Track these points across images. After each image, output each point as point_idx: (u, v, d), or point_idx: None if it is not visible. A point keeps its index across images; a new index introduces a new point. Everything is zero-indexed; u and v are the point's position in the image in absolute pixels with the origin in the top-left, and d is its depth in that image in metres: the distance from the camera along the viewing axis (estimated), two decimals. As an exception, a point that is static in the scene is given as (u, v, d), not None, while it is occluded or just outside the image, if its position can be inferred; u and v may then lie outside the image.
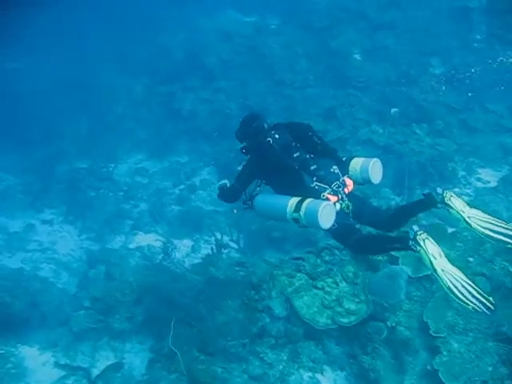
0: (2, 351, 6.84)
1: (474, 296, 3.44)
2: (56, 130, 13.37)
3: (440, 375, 4.85)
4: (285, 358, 5.73)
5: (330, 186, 4.03)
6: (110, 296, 6.97)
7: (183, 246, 9.52)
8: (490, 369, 4.77)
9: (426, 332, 5.25)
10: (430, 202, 3.88)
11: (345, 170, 4.20)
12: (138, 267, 8.63)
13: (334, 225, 3.86)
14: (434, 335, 5.15)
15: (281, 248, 8.81)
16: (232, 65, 14.05)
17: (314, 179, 4.08)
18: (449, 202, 3.76)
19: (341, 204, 4.03)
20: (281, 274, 6.19)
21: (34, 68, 15.18)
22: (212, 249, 8.49)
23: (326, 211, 3.77)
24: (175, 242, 9.52)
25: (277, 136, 4.22)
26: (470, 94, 10.74)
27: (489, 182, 9.19)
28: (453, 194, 3.81)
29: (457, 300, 3.46)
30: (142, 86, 14.64)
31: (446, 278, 3.49)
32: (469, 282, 3.50)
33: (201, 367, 5.48)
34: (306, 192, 3.99)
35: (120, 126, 13.66)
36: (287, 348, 5.80)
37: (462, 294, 3.45)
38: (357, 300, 5.76)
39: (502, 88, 10.52)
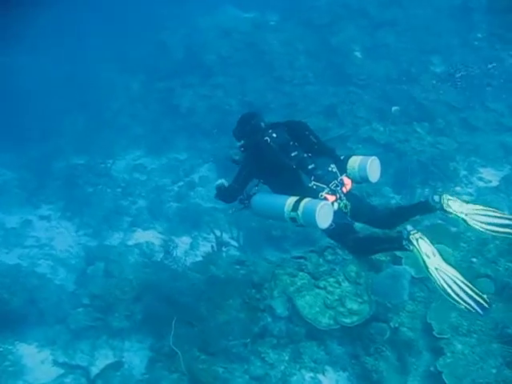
0: (0, 349, 6.77)
1: (468, 295, 3.42)
2: (53, 127, 13.28)
3: (444, 377, 4.82)
4: (286, 358, 5.68)
5: (327, 186, 4.02)
6: (110, 294, 6.90)
7: (182, 243, 9.46)
8: (494, 371, 4.74)
9: (430, 333, 5.22)
10: (427, 209, 3.86)
11: (343, 168, 4.19)
12: (137, 264, 8.56)
13: (331, 224, 3.85)
14: (438, 336, 5.11)
15: (280, 246, 8.77)
16: (231, 61, 13.97)
17: (312, 178, 4.06)
18: (447, 209, 3.73)
19: (339, 203, 4.02)
20: (282, 273, 6.14)
21: (31, 65, 15.11)
22: (212, 247, 8.43)
23: (324, 211, 3.76)
24: (174, 239, 9.46)
25: (274, 135, 4.20)
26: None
27: (490, 182, 9.16)
28: (450, 197, 3.77)
29: (449, 299, 3.44)
30: (140, 82, 14.57)
31: (439, 277, 3.48)
32: (464, 280, 3.48)
33: (202, 367, 5.43)
34: (303, 191, 3.97)
35: (117, 122, 13.60)
36: (289, 348, 5.75)
37: (456, 292, 3.43)
38: (359, 300, 5.72)
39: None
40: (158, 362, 5.84)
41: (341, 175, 4.13)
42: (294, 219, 3.87)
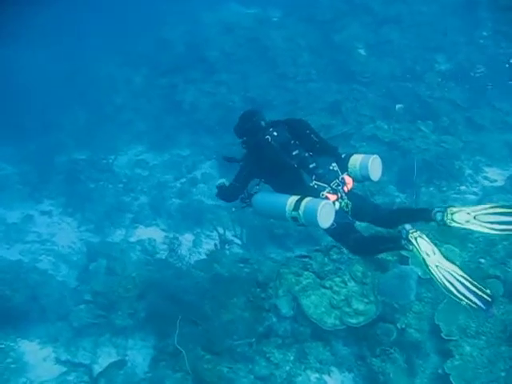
0: (2, 346, 6.72)
1: (471, 291, 3.40)
2: (55, 121, 13.24)
3: (452, 379, 4.77)
4: (291, 358, 5.63)
5: (329, 185, 4.00)
6: (113, 291, 6.84)
7: (185, 240, 9.40)
8: (503, 374, 4.69)
9: (437, 335, 5.16)
10: (430, 219, 3.80)
11: (344, 167, 4.16)
12: (139, 262, 8.53)
13: (333, 224, 3.83)
14: (446, 338, 5.06)
15: (283, 244, 8.73)
16: (234, 57, 13.92)
17: (313, 178, 4.03)
18: (451, 224, 3.65)
19: (340, 203, 4.00)
20: (288, 272, 6.07)
21: (33, 60, 15.05)
22: (215, 244, 8.38)
23: (325, 210, 3.74)
24: (177, 236, 9.40)
25: (275, 133, 4.17)
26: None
27: (496, 181, 9.11)
28: (454, 209, 3.68)
29: (451, 296, 3.43)
30: (142, 77, 14.50)
31: (439, 275, 3.47)
32: (466, 276, 3.46)
33: (206, 366, 5.38)
34: (305, 191, 3.94)
35: (119, 117, 13.57)
36: (294, 348, 5.70)
37: (458, 289, 3.41)
38: (366, 300, 5.66)
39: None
40: (162, 361, 5.79)
41: (342, 174, 4.10)
42: (295, 218, 3.84)
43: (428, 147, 9.62)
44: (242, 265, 7.04)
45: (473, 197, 8.83)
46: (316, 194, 3.92)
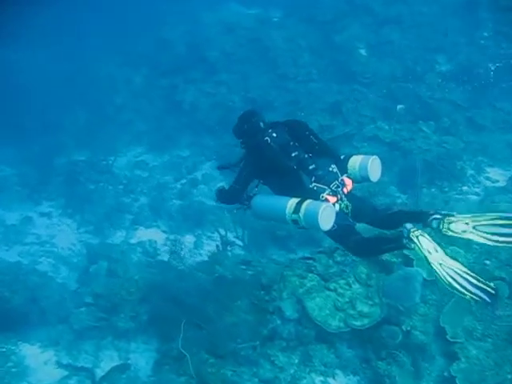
0: (3, 349, 6.65)
1: (475, 285, 3.43)
2: (54, 122, 13.15)
3: (458, 382, 4.74)
4: (296, 361, 5.58)
5: (328, 187, 4.00)
6: (115, 294, 6.78)
7: (186, 242, 9.34)
8: (509, 376, 4.66)
9: (443, 337, 5.13)
10: (428, 225, 3.80)
11: (343, 168, 4.16)
12: (140, 264, 8.47)
13: (333, 226, 3.82)
14: (451, 340, 5.03)
15: (285, 246, 8.70)
16: (234, 58, 13.88)
17: (313, 179, 4.03)
18: (447, 233, 3.67)
19: (340, 204, 4.00)
20: (291, 274, 6.03)
21: (34, 60, 14.97)
22: (217, 246, 8.32)
23: (326, 213, 3.74)
24: (178, 238, 9.35)
25: (274, 135, 4.16)
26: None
27: (498, 181, 9.07)
28: (451, 218, 3.69)
29: (456, 292, 3.45)
30: (142, 77, 14.44)
31: (443, 272, 3.49)
32: (468, 272, 3.49)
33: (210, 370, 5.33)
34: (304, 193, 3.94)
35: (119, 118, 13.53)
36: (298, 351, 5.65)
37: (461, 285, 3.44)
38: (370, 302, 5.62)
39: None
40: (166, 365, 5.73)
41: (341, 175, 4.11)
42: (295, 221, 3.84)
43: (429, 148, 9.59)
44: (244, 267, 6.99)
45: (475, 197, 8.80)
46: (316, 195, 3.91)
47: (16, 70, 14.65)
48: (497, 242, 3.54)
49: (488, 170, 9.40)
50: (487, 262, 5.53)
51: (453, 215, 3.69)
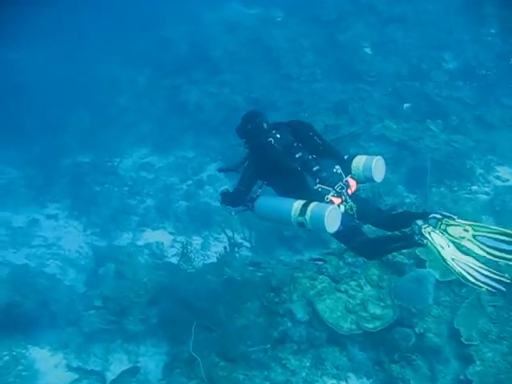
0: (14, 353, 6.64)
1: (489, 277, 3.42)
2: (58, 124, 13.12)
3: (474, 385, 4.69)
4: (308, 364, 5.54)
5: (333, 188, 3.99)
6: (124, 297, 6.75)
7: (193, 243, 9.28)
8: (526, 379, 4.61)
9: (457, 339, 5.08)
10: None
11: (347, 169, 4.16)
12: (148, 266, 8.43)
13: (339, 227, 3.80)
14: (466, 343, 4.97)
15: (292, 247, 8.66)
16: (237, 57, 13.83)
17: (317, 181, 4.01)
18: (443, 234, 3.65)
19: (345, 206, 3.99)
20: (302, 276, 6.00)
21: (35, 60, 14.95)
22: (225, 248, 8.28)
23: (332, 215, 3.72)
24: (185, 240, 9.31)
25: (278, 136, 4.13)
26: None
27: (508, 180, 9.00)
28: (450, 222, 3.68)
29: (471, 285, 3.45)
30: (145, 78, 14.42)
31: (456, 266, 3.48)
32: (482, 265, 3.48)
33: (222, 374, 5.29)
34: (309, 195, 3.91)
35: (123, 119, 13.45)
36: (310, 354, 5.61)
37: (476, 278, 3.43)
38: (382, 304, 5.58)
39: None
40: (176, 368, 5.70)
41: (345, 176, 4.10)
42: (301, 224, 3.81)
43: (438, 147, 9.51)
44: (253, 268, 6.95)
45: (484, 197, 8.73)
46: (320, 197, 3.89)
47: (19, 70, 14.66)
48: (494, 256, 3.52)
49: (498, 168, 9.32)
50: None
51: (453, 219, 3.68)
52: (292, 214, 3.82)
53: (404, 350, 5.24)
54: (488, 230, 3.56)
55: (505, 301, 5.13)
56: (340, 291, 5.80)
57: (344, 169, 4.13)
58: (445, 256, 3.51)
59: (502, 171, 9.24)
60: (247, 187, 4.18)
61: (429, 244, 3.58)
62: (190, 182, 11.38)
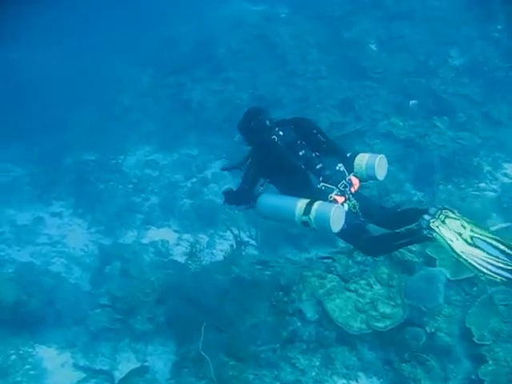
0: (21, 352, 6.61)
1: (501, 268, 3.41)
2: (63, 122, 13.06)
3: (486, 385, 4.65)
4: (317, 363, 5.50)
5: (336, 186, 3.98)
6: (132, 296, 6.71)
7: (199, 242, 9.25)
8: (540, 379, 4.57)
9: (469, 339, 5.03)
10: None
11: (350, 166, 4.15)
12: (153, 264, 8.40)
13: (343, 225, 3.79)
14: (478, 342, 4.92)
15: (298, 244, 8.61)
16: (241, 55, 13.74)
17: (321, 179, 4.00)
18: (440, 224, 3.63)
19: (348, 204, 3.99)
20: (311, 275, 5.96)
21: (38, 59, 14.90)
22: (232, 246, 8.24)
23: (337, 215, 3.72)
24: (191, 238, 9.29)
25: (281, 133, 4.10)
26: None
27: (516, 178, 8.95)
28: (451, 214, 3.68)
29: (484, 276, 3.46)
30: (149, 76, 14.35)
31: (468, 258, 3.47)
32: (492, 257, 3.45)
33: (232, 373, 5.26)
34: (312, 193, 3.90)
35: (127, 117, 13.38)
36: (319, 353, 5.57)
37: (488, 268, 3.42)
38: (392, 303, 5.54)
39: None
40: (185, 368, 5.66)
41: (348, 174, 4.11)
42: (305, 223, 3.80)
43: (445, 144, 9.45)
44: (260, 267, 6.91)
45: (492, 194, 8.68)
46: (324, 196, 3.88)
47: (22, 69, 14.62)
48: (483, 267, 3.46)
49: (505, 166, 9.25)
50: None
51: (453, 212, 3.68)
52: (296, 212, 3.81)
53: (415, 349, 5.19)
54: (486, 234, 3.56)
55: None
56: (349, 290, 5.76)
57: (346, 166, 4.13)
58: (455, 249, 3.50)
59: (510, 168, 9.17)
60: (251, 185, 4.15)
61: (438, 237, 3.56)
62: (194, 180, 11.34)
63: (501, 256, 3.45)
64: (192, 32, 15.00)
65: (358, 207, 4.02)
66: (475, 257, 3.45)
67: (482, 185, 8.86)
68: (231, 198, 4.29)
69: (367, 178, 4.14)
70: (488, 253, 3.47)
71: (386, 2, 13.43)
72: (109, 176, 11.76)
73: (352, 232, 3.97)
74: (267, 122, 4.23)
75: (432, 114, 10.40)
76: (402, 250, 5.74)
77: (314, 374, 5.44)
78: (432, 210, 3.67)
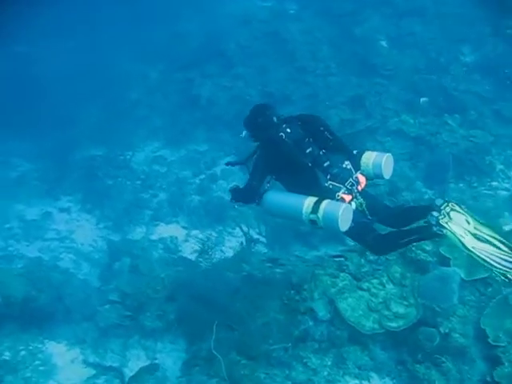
0: (30, 347, 6.61)
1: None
2: (71, 117, 13.03)
3: (501, 388, 4.59)
4: (329, 363, 5.46)
5: (343, 185, 3.96)
6: (141, 292, 6.69)
7: (208, 238, 9.22)
8: (556, 382, 4.50)
9: (484, 340, 4.97)
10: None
11: (357, 164, 4.14)
12: (163, 261, 8.37)
13: (351, 224, 3.78)
14: (493, 344, 4.86)
15: (308, 242, 8.55)
16: (251, 51, 13.64)
17: (328, 177, 3.98)
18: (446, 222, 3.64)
19: (355, 202, 3.97)
20: (323, 273, 5.91)
21: (47, 54, 14.86)
22: (241, 243, 8.20)
23: (346, 214, 3.71)
24: (200, 234, 9.25)
25: (288, 130, 4.07)
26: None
27: (529, 177, 8.85)
28: (456, 208, 3.73)
29: (497, 271, 3.48)
30: (158, 72, 14.29)
31: (480, 254, 3.50)
32: (502, 252, 3.50)
33: (243, 372, 5.22)
34: (320, 191, 3.89)
35: (135, 113, 13.33)
36: (331, 353, 5.53)
37: (499, 263, 3.46)
38: (405, 303, 5.49)
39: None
40: (196, 366, 5.63)
41: (355, 172, 4.09)
42: (313, 222, 3.77)
43: (456, 142, 9.36)
44: (270, 264, 6.85)
45: (505, 193, 8.58)
46: (331, 194, 3.87)
47: (31, 64, 14.59)
48: (497, 263, 3.51)
49: (518, 164, 9.16)
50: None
51: (460, 206, 3.71)
52: (304, 211, 3.78)
53: (428, 350, 5.13)
54: (490, 234, 3.58)
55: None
56: (362, 289, 5.71)
57: (353, 164, 4.12)
58: (467, 245, 3.51)
59: (523, 168, 9.08)
60: (259, 182, 4.10)
61: (448, 234, 3.58)
62: (202, 176, 11.29)
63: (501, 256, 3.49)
64: (201, 28, 14.90)
65: (364, 205, 4.00)
66: (486, 252, 3.49)
67: (495, 183, 8.76)
68: (238, 195, 4.24)
69: (374, 177, 4.14)
70: (499, 248, 3.49)
71: (396, -1, 13.29)
72: (117, 172, 11.74)
73: (359, 230, 3.98)
74: (274, 119, 4.19)
75: (443, 111, 10.29)
76: (414, 249, 5.71)
77: (325, 373, 5.40)
78: (438, 202, 3.71)
